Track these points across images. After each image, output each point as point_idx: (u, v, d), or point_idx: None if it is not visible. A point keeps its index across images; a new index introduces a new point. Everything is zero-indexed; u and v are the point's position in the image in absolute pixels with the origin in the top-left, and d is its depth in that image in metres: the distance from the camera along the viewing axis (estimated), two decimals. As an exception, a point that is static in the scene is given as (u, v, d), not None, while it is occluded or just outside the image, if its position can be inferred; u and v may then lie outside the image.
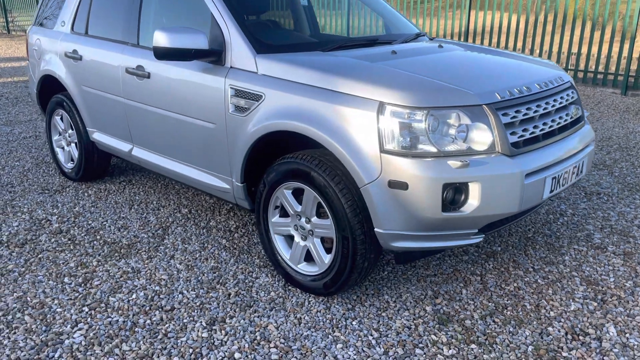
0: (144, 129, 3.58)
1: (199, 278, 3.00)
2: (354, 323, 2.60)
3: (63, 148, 4.59)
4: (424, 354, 2.39)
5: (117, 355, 2.38)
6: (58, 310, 2.71)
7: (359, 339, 2.48)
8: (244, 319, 2.62)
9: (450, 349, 2.42)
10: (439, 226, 2.43)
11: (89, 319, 2.63)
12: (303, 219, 2.77)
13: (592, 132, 3.01)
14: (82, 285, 2.94)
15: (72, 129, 4.36)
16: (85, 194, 4.25)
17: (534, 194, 2.50)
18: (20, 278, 3.01)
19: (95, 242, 3.44)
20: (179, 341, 2.47)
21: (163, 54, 2.92)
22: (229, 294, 2.84)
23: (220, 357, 2.35)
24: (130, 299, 2.80)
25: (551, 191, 2.61)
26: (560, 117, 2.77)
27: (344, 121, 2.45)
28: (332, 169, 2.55)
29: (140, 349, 2.41)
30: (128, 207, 3.99)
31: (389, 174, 2.37)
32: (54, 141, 4.66)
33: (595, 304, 2.75)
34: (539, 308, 2.72)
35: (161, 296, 2.83)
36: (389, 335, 2.51)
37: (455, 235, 2.50)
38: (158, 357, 2.36)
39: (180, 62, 3.17)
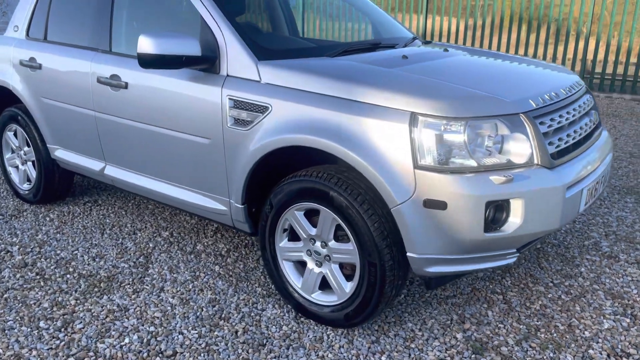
0: (120, 145, 3.19)
1: (198, 314, 2.65)
2: (383, 358, 2.34)
3: (17, 167, 4.10)
4: (469, 390, 2.15)
5: (119, 418, 2.01)
6: (38, 364, 2.31)
7: (394, 377, 2.23)
8: (260, 362, 2.31)
9: (495, 382, 2.20)
10: (479, 248, 2.21)
11: (77, 373, 2.24)
12: (318, 243, 2.49)
13: (610, 138, 2.89)
14: (62, 330, 2.53)
15: (29, 146, 3.88)
16: (47, 219, 3.79)
17: (572, 208, 2.33)
18: (-16, 325, 2.57)
19: (68, 275, 3.02)
20: (190, 394, 2.13)
21: (149, 62, 2.57)
22: (236, 332, 2.51)
23: (243, 412, 2.04)
24: (122, 344, 2.43)
25: (586, 203, 2.45)
26: (586, 124, 2.62)
27: (371, 135, 2.19)
28: (354, 187, 2.28)
29: (146, 407, 2.06)
30: (99, 232, 3.57)
31: (424, 192, 2.12)
32: (5, 160, 4.15)
33: (628, 320, 2.61)
34: (572, 328, 2.55)
35: (158, 338, 2.47)
36: (426, 371, 2.26)
37: (493, 256, 2.29)
38: (169, 416, 2.02)
39: (165, 71, 2.82)
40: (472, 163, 2.12)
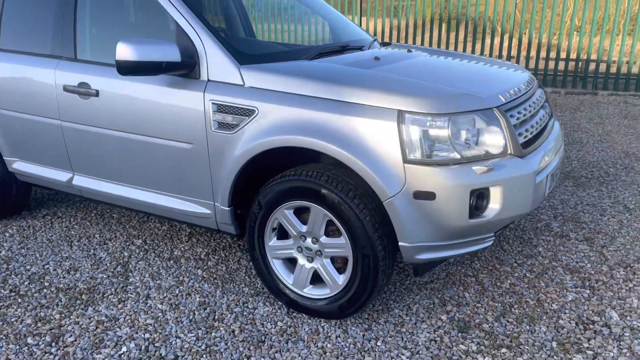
0: (91, 154, 3.14)
1: (190, 317, 2.68)
2: (379, 344, 2.48)
3: (-33, 183, 3.89)
4: (463, 365, 2.33)
5: (137, 423, 2.03)
6: (37, 380, 2.26)
7: (393, 360, 2.37)
8: (263, 357, 2.38)
9: (484, 357, 2.39)
10: (464, 233, 2.39)
11: (80, 385, 2.22)
12: (309, 240, 2.59)
13: (561, 128, 3.17)
14: (53, 344, 2.48)
15: (-19, 160, 3.71)
16: (7, 234, 3.64)
17: (540, 193, 2.56)
18: (-33, 347, 2.47)
19: (45, 290, 2.95)
20: (202, 394, 2.17)
21: (129, 69, 2.57)
22: (233, 331, 2.57)
23: (258, 405, 2.11)
24: (120, 353, 2.42)
25: (549, 188, 2.70)
26: (543, 116, 2.87)
27: (361, 133, 2.32)
28: (344, 183, 2.40)
29: (161, 411, 2.08)
30: (67, 244, 3.48)
31: (414, 184, 2.28)
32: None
33: (588, 291, 2.89)
34: (540, 302, 2.80)
35: (156, 344, 2.48)
36: (421, 352, 2.42)
37: (475, 240, 2.48)
38: (187, 417, 2.05)
39: (140, 77, 2.81)
40: (456, 155, 2.29)
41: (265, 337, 2.52)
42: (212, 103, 2.63)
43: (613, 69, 8.55)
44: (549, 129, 2.92)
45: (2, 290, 2.94)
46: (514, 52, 9.04)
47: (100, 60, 3.02)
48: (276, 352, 2.42)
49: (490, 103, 2.42)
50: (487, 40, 9.21)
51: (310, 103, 2.42)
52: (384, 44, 3.69)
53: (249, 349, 2.43)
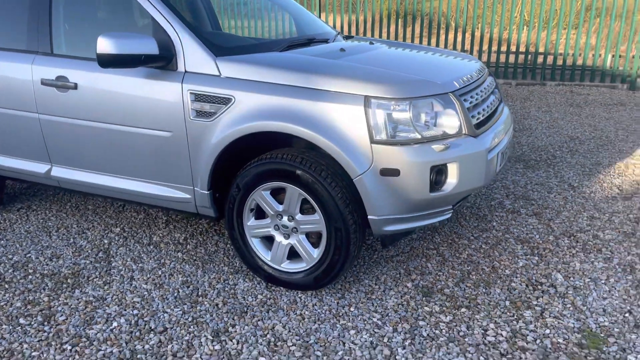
0: (70, 145, 3.26)
1: (175, 295, 2.86)
2: (352, 309, 2.72)
3: (-61, 178, 3.93)
4: (427, 324, 2.59)
5: (135, 386, 2.21)
6: (34, 354, 2.40)
7: (365, 322, 2.61)
8: (247, 325, 2.59)
9: (446, 316, 2.66)
10: (426, 206, 2.65)
11: (77, 357, 2.38)
12: (285, 218, 2.80)
13: (510, 113, 3.48)
14: (46, 323, 2.62)
15: (-45, 155, 3.76)
16: (-17, 228, 3.72)
17: (492, 169, 2.85)
18: (-40, 329, 2.58)
19: (30, 276, 3.06)
20: (192, 359, 2.36)
21: (109, 62, 2.72)
22: (217, 305, 2.76)
23: (246, 365, 2.32)
24: (111, 328, 2.58)
25: (500, 165, 2.99)
26: (492, 102, 3.16)
27: (331, 117, 2.55)
28: (317, 164, 2.63)
29: (156, 375, 2.26)
30: (46, 235, 3.59)
31: (380, 162, 2.52)
32: None
33: (536, 258, 3.21)
34: (495, 269, 3.10)
35: (145, 319, 2.65)
36: (389, 315, 2.67)
37: (435, 213, 2.75)
38: (181, 378, 2.24)
39: (118, 70, 2.96)
40: (417, 135, 2.55)
41: (247, 309, 2.72)
42: (190, 93, 2.81)
43: (560, 61, 9.06)
44: (498, 113, 3.21)
45: (-12, 278, 3.05)
46: (467, 46, 9.46)
47: (77, 54, 3.14)
48: (259, 320, 2.63)
49: (446, 88, 2.69)
50: (442, 35, 9.60)
51: (284, 91, 2.63)
52: (347, 37, 3.93)
53: (233, 319, 2.64)
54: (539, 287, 2.90)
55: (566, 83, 8.94)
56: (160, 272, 3.08)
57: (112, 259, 3.25)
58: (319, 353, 2.39)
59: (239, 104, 2.71)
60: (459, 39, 9.39)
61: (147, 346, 2.44)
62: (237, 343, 2.46)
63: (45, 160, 3.43)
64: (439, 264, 3.16)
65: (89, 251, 3.35)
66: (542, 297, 2.81)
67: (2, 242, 3.50)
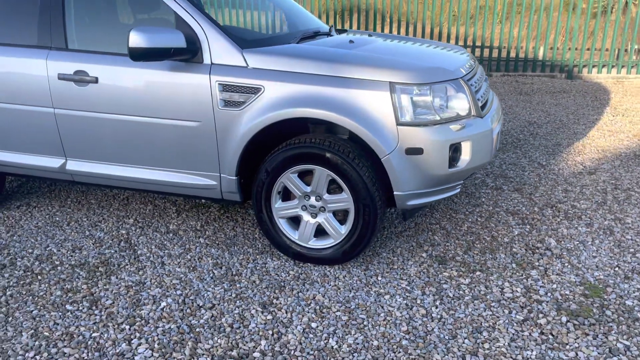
0: (88, 139, 3.33)
1: (211, 275, 3.01)
2: (379, 278, 2.98)
3: None
4: (450, 286, 2.89)
5: (205, 354, 2.37)
6: (94, 335, 2.51)
7: (395, 288, 2.87)
8: (289, 297, 2.79)
9: (464, 279, 2.97)
10: (444, 181, 2.95)
11: (138, 334, 2.51)
12: (312, 198, 3.02)
13: (498, 99, 3.84)
14: (94, 308, 2.72)
15: (-46, 154, 3.71)
16: (-11, 225, 3.70)
17: (494, 146, 3.18)
18: (10, 319, 2.63)
19: (59, 267, 3.12)
20: (249, 328, 2.54)
21: (140, 55, 2.84)
22: (254, 282, 2.94)
23: (301, 331, 2.52)
24: (161, 307, 2.72)
25: (498, 144, 3.33)
26: (487, 89, 3.50)
27: (360, 103, 2.79)
28: (344, 147, 2.86)
29: (220, 345, 2.43)
30: (58, 229, 3.62)
31: (405, 142, 2.79)
32: None
33: (528, 226, 3.59)
34: (494, 238, 3.44)
35: (191, 297, 2.80)
36: (415, 281, 2.95)
37: (449, 187, 3.05)
38: (245, 344, 2.42)
39: (141, 63, 3.08)
40: (436, 117, 2.84)
41: (284, 283, 2.93)
42: (218, 83, 2.96)
43: (503, 54, 9.68)
44: (490, 100, 3.56)
45: (16, 271, 3.08)
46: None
47: (96, 49, 3.21)
48: (298, 292, 2.84)
49: (457, 74, 2.99)
50: (379, 30, 10.08)
51: (314, 80, 2.84)
52: (339, 31, 4.17)
53: (274, 292, 2.83)
54: (537, 250, 3.27)
55: (510, 74, 9.58)
56: (189, 257, 3.21)
57: (136, 247, 3.34)
58: (363, 316, 2.63)
59: (269, 93, 2.90)
60: (402, 33, 9.93)
61: (202, 320, 2.60)
62: (286, 312, 2.66)
63: (59, 155, 3.47)
64: (444, 236, 3.47)
65: (110, 241, 3.42)
66: (542, 258, 3.17)
67: (15, 237, 3.51)
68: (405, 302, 2.75)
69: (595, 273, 3.00)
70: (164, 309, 2.70)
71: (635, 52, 9.60)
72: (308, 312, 2.66)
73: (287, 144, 2.97)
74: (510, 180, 4.41)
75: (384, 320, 2.60)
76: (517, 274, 3.01)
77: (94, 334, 2.51)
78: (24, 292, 2.87)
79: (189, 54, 2.99)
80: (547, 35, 9.22)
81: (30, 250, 3.32)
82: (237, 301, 2.76)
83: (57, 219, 3.79)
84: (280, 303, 2.74)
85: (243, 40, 3.07)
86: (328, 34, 3.74)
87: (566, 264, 3.10)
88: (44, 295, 2.84)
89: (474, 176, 4.51)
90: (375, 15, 9.87)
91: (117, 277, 3.00)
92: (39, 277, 3.01)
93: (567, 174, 4.55)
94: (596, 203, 3.94)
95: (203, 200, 3.89)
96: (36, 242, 3.44)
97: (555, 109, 6.97)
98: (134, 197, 4.12)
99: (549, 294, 2.80)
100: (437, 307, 2.70)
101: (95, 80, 3.17)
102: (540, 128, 6.01)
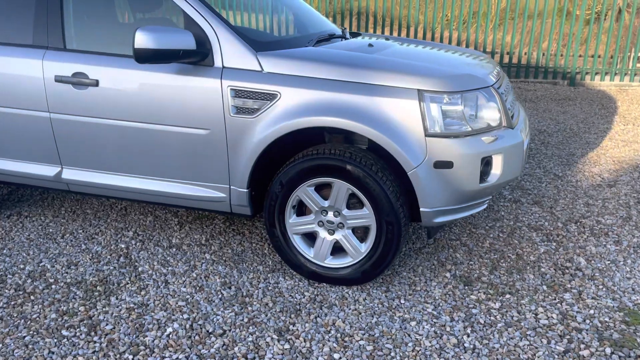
0: (86, 146, 3.08)
1: (220, 297, 2.78)
2: (402, 301, 2.75)
3: None
4: (480, 311, 2.68)
5: (218, 391, 2.13)
6: (94, 367, 2.26)
7: (421, 313, 2.65)
8: (307, 323, 2.56)
9: (494, 302, 2.75)
10: (474, 197, 2.73)
11: (142, 366, 2.26)
12: (330, 214, 2.79)
13: (525, 110, 3.64)
14: (93, 334, 2.47)
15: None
16: (-24, 237, 3.43)
17: (524, 160, 2.97)
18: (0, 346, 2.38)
19: (54, 286, 2.87)
20: (266, 359, 2.31)
21: (147, 56, 2.61)
22: (267, 304, 2.71)
23: (323, 362, 2.30)
24: (167, 334, 2.47)
25: (526, 158, 3.12)
26: (513, 99, 3.30)
27: (386, 112, 2.57)
28: (366, 159, 2.64)
29: (234, 378, 2.20)
30: (51, 241, 3.37)
31: (434, 155, 2.57)
32: None
33: (554, 244, 3.39)
34: (520, 256, 3.24)
35: (199, 322, 2.56)
36: (441, 305, 2.73)
37: (478, 203, 2.83)
38: (262, 380, 2.19)
39: (147, 66, 2.84)
40: (468, 128, 2.62)
41: (299, 306, 2.69)
42: (231, 89, 2.73)
43: (505, 59, 9.51)
44: (518, 110, 3.35)
45: (7, 290, 2.82)
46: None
47: (97, 49, 2.97)
48: (317, 317, 2.61)
49: (488, 82, 2.78)
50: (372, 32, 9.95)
51: (335, 86, 2.62)
52: (353, 34, 3.95)
53: (290, 317, 2.60)
54: (567, 271, 3.06)
55: (512, 80, 9.40)
56: (194, 274, 2.97)
57: (136, 263, 3.10)
58: (389, 346, 2.40)
59: (285, 99, 2.67)
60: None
61: (212, 350, 2.36)
62: (304, 341, 2.43)
63: (54, 163, 3.22)
64: (466, 253, 3.26)
65: (108, 257, 3.17)
66: (574, 280, 2.97)
67: (5, 251, 3.25)
68: (433, 329, 2.53)
69: (633, 297, 2.80)
70: (170, 336, 2.45)
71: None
72: (329, 341, 2.43)
73: (304, 155, 2.74)
74: (528, 193, 4.21)
75: (412, 351, 2.38)
76: (550, 297, 2.80)
77: (93, 366, 2.26)
78: (15, 315, 2.61)
79: (198, 57, 2.76)
80: (540, 40, 9.06)
81: (21, 266, 3.07)
82: (250, 327, 2.53)
83: (51, 230, 3.53)
84: (298, 330, 2.51)
85: (257, 42, 2.84)
86: (343, 37, 3.52)
87: (600, 286, 2.90)
88: (38, 319, 2.58)
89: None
90: (367, 18, 9.72)
91: (117, 298, 2.75)
92: (32, 297, 2.76)
93: (586, 186, 4.36)
94: (621, 218, 3.75)
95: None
96: (28, 256, 3.18)
97: (563, 117, 6.80)
98: (133, 207, 3.87)
99: (587, 321, 2.59)
100: (468, 336, 2.48)
101: (96, 83, 2.93)
102: (551, 137, 5.83)
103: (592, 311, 2.67)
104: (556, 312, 2.66)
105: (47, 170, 3.24)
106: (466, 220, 3.71)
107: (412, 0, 9.45)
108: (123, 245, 3.31)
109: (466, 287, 2.89)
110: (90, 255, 3.20)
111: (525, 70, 9.39)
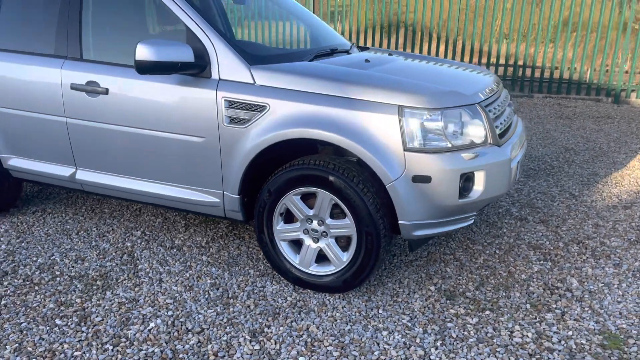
0: (97, 149, 3.31)
1: (206, 297, 2.92)
2: (380, 311, 2.81)
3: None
4: (455, 325, 2.70)
5: (183, 383, 2.26)
6: (76, 354, 2.44)
7: (395, 323, 2.70)
8: (282, 326, 2.66)
9: (472, 318, 2.77)
10: (453, 212, 2.77)
11: (119, 356, 2.42)
12: (315, 222, 2.89)
13: (523, 124, 3.63)
14: (82, 324, 2.66)
15: (-27, 157, 3.77)
16: (1, 229, 3.72)
17: (513, 177, 2.98)
18: (-3, 330, 2.61)
19: (58, 278, 3.09)
20: (234, 358, 2.43)
21: (147, 68, 2.79)
22: (249, 306, 2.83)
23: (287, 364, 2.39)
24: (149, 328, 2.63)
25: (518, 174, 3.12)
26: (509, 114, 3.30)
27: (366, 126, 2.65)
28: (349, 170, 2.73)
29: (201, 373, 2.33)
30: (66, 237, 3.61)
31: (412, 170, 2.63)
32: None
33: (550, 264, 3.35)
34: (511, 274, 3.22)
35: (181, 319, 2.70)
36: (418, 317, 2.77)
37: (461, 218, 2.86)
38: (226, 376, 2.31)
39: (150, 77, 3.03)
40: (448, 144, 2.67)
41: (279, 310, 2.80)
42: (225, 100, 2.88)
43: (546, 74, 9.33)
44: (514, 125, 3.35)
45: (16, 280, 3.06)
46: (449, 57, 9.71)
47: (108, 60, 3.20)
48: (292, 321, 2.70)
49: (473, 99, 2.82)
50: (425, 46, 9.88)
51: (320, 100, 2.73)
52: (361, 48, 4.05)
53: (267, 320, 2.71)
54: (556, 291, 3.04)
55: (553, 95, 9.20)
56: (187, 275, 3.13)
57: (137, 261, 3.29)
58: (355, 353, 2.47)
59: (274, 111, 2.80)
60: (441, 49, 9.71)
61: (187, 346, 2.50)
62: (275, 343, 2.53)
63: (69, 164, 3.46)
64: (457, 268, 3.28)
65: (114, 254, 3.38)
66: (560, 300, 2.94)
67: (24, 244, 3.51)
68: (403, 340, 2.58)
69: (618, 321, 2.75)
70: (151, 330, 2.61)
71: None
72: (298, 345, 2.52)
73: (290, 165, 2.86)
74: (537, 211, 4.16)
75: (376, 359, 2.44)
76: (530, 316, 2.79)
77: (75, 353, 2.44)
78: (18, 303, 2.84)
79: (197, 69, 2.93)
80: (594, 56, 8.81)
81: (34, 259, 3.32)
82: (227, 327, 2.65)
83: (68, 227, 3.79)
84: (271, 332, 2.61)
85: (253, 56, 2.99)
86: (347, 52, 3.62)
87: (586, 309, 2.86)
88: (37, 307, 2.80)
89: (497, 204, 4.28)
90: (420, 31, 9.67)
91: (112, 293, 2.94)
92: (36, 288, 2.99)
93: (600, 207, 4.27)
94: (628, 241, 3.66)
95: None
96: (42, 250, 3.44)
97: (596, 135, 6.62)
98: (146, 209, 4.09)
99: (562, 342, 2.57)
100: (437, 349, 2.51)
101: (106, 92, 3.15)
102: (577, 155, 5.71)
103: (570, 332, 2.65)
104: (532, 331, 2.65)
105: (63, 171, 3.50)
106: (464, 235, 3.71)
107: (468, 13, 9.31)
108: (129, 244, 3.52)
109: (448, 301, 2.91)
110: (98, 251, 3.42)
111: (567, 86, 9.17)
